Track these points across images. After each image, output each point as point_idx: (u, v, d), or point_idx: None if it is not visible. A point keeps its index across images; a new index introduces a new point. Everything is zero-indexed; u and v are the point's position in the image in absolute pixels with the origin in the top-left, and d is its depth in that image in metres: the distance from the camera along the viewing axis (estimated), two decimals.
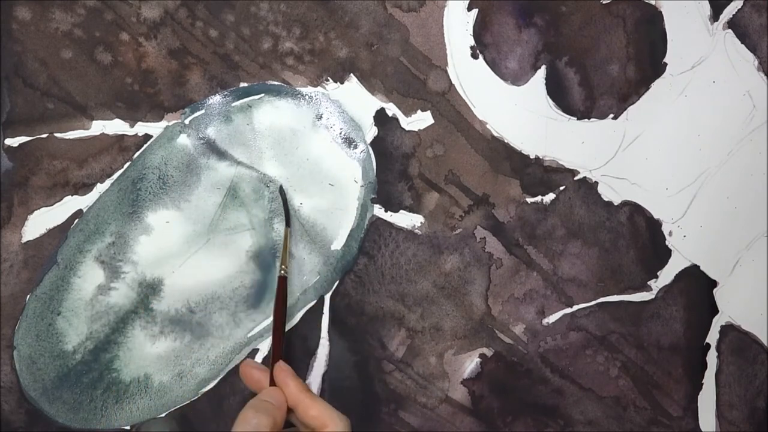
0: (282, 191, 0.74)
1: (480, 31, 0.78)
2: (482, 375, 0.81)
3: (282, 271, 0.71)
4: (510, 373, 0.81)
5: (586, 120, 0.80)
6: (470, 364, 0.81)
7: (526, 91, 0.79)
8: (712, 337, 0.84)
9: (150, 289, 0.74)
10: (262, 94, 0.75)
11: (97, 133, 0.74)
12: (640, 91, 0.80)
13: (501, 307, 0.81)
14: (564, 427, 0.83)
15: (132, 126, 0.74)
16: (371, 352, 0.79)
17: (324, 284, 0.77)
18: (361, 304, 0.78)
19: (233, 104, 0.75)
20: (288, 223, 0.74)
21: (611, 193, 0.81)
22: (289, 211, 0.74)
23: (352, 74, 0.76)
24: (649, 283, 0.82)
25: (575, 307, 0.82)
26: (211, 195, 0.75)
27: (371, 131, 0.77)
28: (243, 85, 0.75)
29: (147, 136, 0.74)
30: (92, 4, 0.72)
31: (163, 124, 0.74)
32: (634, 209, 0.81)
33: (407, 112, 0.77)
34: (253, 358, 0.77)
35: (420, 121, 0.78)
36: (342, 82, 0.76)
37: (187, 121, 0.74)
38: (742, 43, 0.80)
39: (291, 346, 0.78)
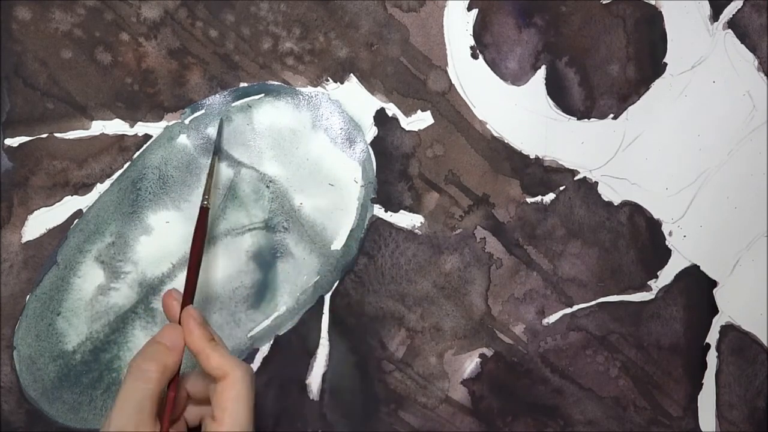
0: (221, 123, 0.73)
1: (480, 31, 0.78)
2: (482, 375, 0.81)
3: (205, 202, 0.69)
4: (510, 373, 0.81)
5: (586, 120, 0.80)
6: (470, 364, 0.81)
7: (526, 91, 0.79)
8: (712, 337, 0.84)
9: (150, 289, 0.74)
10: (262, 94, 0.75)
11: (97, 133, 0.74)
12: (640, 91, 0.80)
13: (501, 307, 0.81)
14: (564, 427, 0.83)
15: (132, 126, 0.74)
16: (371, 352, 0.79)
17: (324, 284, 0.77)
18: (361, 304, 0.78)
19: (233, 104, 0.75)
20: (216, 152, 0.72)
21: (611, 193, 0.81)
22: (220, 139, 0.73)
23: (352, 74, 0.76)
24: (649, 283, 0.82)
25: (575, 307, 0.82)
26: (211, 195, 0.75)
27: (371, 131, 0.77)
28: (243, 85, 0.75)
29: (147, 136, 0.74)
30: (92, 4, 0.72)
31: (163, 124, 0.74)
32: (634, 209, 0.81)
33: (407, 112, 0.77)
34: (253, 358, 0.77)
35: (420, 121, 0.78)
36: (342, 82, 0.76)
37: (187, 121, 0.74)
38: (742, 43, 0.80)
39: (291, 346, 0.78)
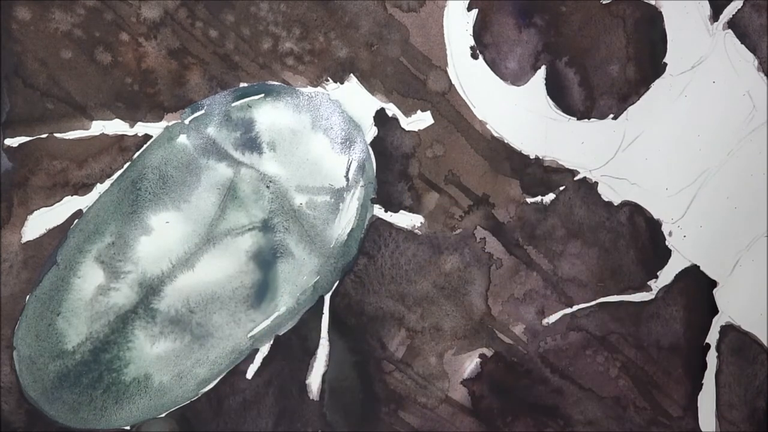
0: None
1: (480, 31, 0.78)
2: (482, 375, 0.81)
3: None
4: (510, 373, 0.82)
5: (586, 120, 0.80)
6: (470, 364, 0.81)
7: (526, 91, 0.79)
8: (712, 337, 0.84)
9: (150, 289, 0.74)
10: (262, 94, 0.75)
11: (97, 133, 0.74)
12: (640, 91, 0.80)
13: (501, 307, 0.81)
14: (564, 427, 0.83)
15: (132, 126, 0.74)
16: (371, 352, 0.79)
17: (324, 284, 0.77)
18: (361, 304, 0.78)
19: (233, 104, 0.75)
20: None
21: (611, 193, 0.81)
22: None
23: (352, 74, 0.76)
24: (649, 283, 0.82)
25: (575, 307, 0.82)
26: (210, 195, 0.75)
27: (371, 131, 0.77)
28: (243, 85, 0.75)
29: (147, 136, 0.74)
30: (92, 4, 0.72)
31: (163, 124, 0.74)
32: (634, 209, 0.81)
33: (407, 112, 0.77)
34: (253, 358, 0.77)
35: (420, 121, 0.78)
36: (342, 82, 0.76)
37: (187, 121, 0.74)
38: (742, 43, 0.80)
39: (291, 346, 0.78)
